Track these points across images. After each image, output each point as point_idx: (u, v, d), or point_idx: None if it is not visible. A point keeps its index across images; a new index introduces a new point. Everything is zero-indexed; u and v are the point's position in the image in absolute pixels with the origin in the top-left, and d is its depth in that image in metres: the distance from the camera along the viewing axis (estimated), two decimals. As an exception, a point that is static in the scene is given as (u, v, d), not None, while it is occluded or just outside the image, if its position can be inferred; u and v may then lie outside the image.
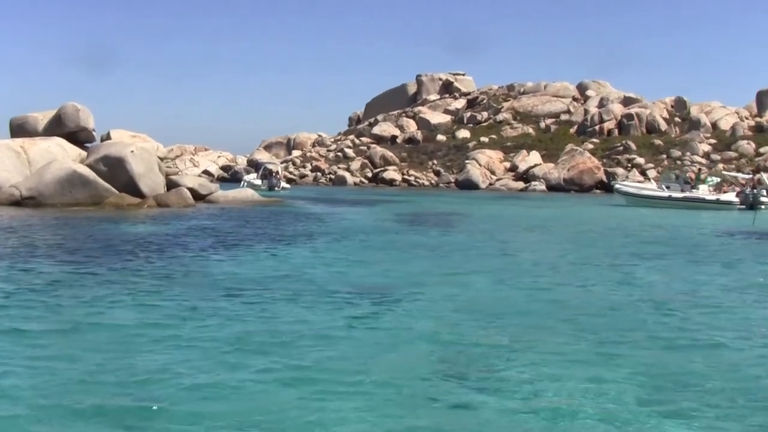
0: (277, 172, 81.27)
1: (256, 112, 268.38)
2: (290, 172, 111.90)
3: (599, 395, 8.30)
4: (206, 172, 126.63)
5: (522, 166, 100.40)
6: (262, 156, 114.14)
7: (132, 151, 41.99)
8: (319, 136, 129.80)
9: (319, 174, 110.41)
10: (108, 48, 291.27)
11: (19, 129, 50.23)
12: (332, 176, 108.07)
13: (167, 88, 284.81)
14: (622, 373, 9.18)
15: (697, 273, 18.83)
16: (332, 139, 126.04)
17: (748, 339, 11.35)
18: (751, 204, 47.76)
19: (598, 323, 12.16)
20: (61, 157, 43.54)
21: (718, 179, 59.89)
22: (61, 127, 48.20)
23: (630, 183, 63.94)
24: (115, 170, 41.32)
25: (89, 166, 41.76)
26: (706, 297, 15.11)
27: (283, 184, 79.35)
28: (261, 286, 15.04)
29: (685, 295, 15.31)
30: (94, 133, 48.40)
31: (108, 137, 49.96)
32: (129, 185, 41.09)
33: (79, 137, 46.98)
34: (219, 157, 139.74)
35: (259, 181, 77.33)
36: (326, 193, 73.80)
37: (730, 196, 53.09)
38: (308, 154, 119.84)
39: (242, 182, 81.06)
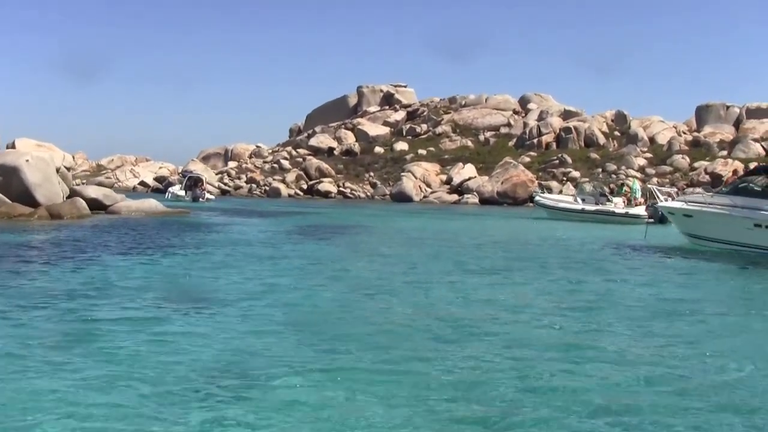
0: (202, 183, 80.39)
1: (200, 122, 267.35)
2: (225, 183, 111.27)
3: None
4: (143, 183, 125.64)
5: (456, 179, 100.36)
6: (197, 167, 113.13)
7: (27, 161, 41.17)
8: (257, 147, 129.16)
9: (254, 185, 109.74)
10: (60, 55, 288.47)
11: None
12: (267, 188, 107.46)
13: (115, 98, 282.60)
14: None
15: (530, 285, 18.65)
16: (270, 151, 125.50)
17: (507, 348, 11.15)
18: (660, 218, 47.87)
19: (381, 339, 11.94)
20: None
21: (636, 189, 59.86)
22: (-43, 136, 47.53)
23: (548, 196, 63.89)
24: (10, 179, 40.49)
25: (-17, 175, 40.95)
26: (512, 309, 14.92)
27: (208, 195, 78.52)
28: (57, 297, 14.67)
29: (488, 307, 15.09)
30: (-6, 142, 47.67)
31: (13, 146, 49.20)
32: (24, 195, 40.30)
33: (-24, 147, 46.24)
34: (160, 168, 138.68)
35: (182, 192, 76.66)
36: (251, 204, 73.18)
37: (640, 210, 53.17)
38: (244, 166, 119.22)
39: (167, 193, 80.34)
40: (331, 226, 42.16)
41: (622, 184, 66.77)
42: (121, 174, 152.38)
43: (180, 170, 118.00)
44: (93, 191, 47.49)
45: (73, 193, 44.92)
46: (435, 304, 15.50)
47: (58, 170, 46.81)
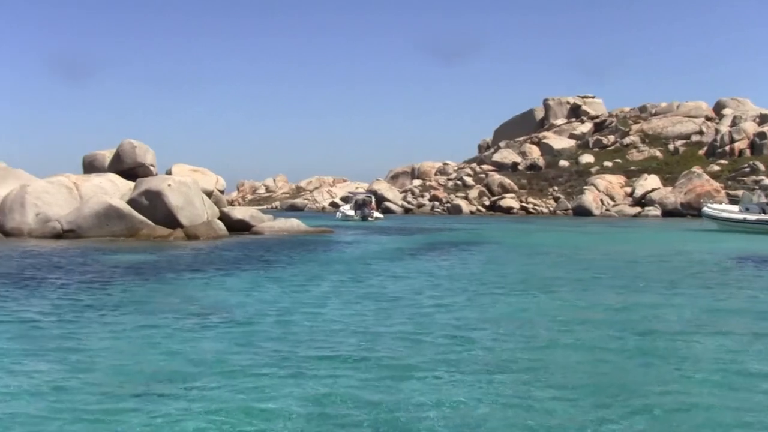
0: (370, 203, 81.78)
1: (388, 140, 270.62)
2: (408, 202, 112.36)
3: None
4: (333, 204, 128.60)
5: (639, 191, 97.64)
6: (381, 186, 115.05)
7: (169, 185, 43.17)
8: (444, 164, 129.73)
9: (436, 203, 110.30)
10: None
11: (90, 165, 52.67)
12: (449, 205, 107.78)
13: (312, 124, 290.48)
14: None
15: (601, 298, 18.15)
16: (455, 168, 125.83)
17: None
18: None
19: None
20: (111, 192, 45.30)
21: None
22: (120, 163, 50.23)
23: (715, 206, 61.10)
24: (155, 203, 42.64)
25: (133, 199, 43.22)
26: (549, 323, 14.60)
27: (376, 214, 79.88)
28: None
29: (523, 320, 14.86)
30: (152, 168, 49.95)
31: (169, 172, 51.42)
32: (168, 217, 42.29)
33: (137, 172, 48.59)
34: (357, 187, 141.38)
35: (352, 212, 78.30)
36: (421, 222, 73.52)
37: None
38: (428, 183, 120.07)
39: (338, 213, 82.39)
40: (463, 242, 41.81)
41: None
42: (319, 195, 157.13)
43: (355, 190, 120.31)
44: (240, 212, 49.24)
45: (222, 215, 46.80)
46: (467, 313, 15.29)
47: (210, 194, 48.97)
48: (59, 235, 41.07)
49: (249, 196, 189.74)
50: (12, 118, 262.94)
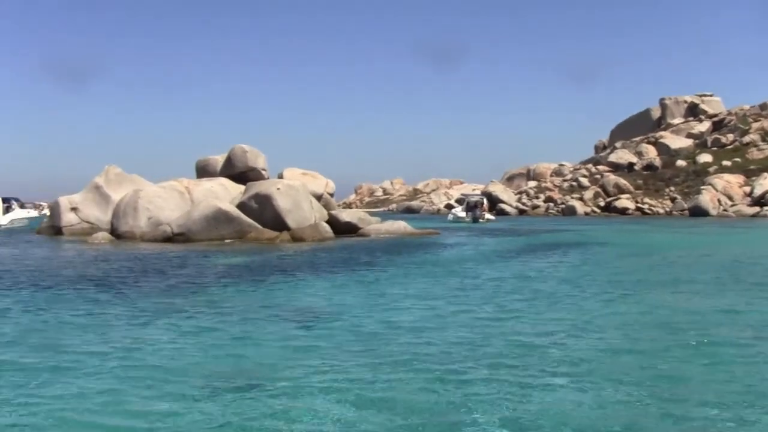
0: (482, 205, 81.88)
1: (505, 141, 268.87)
2: (523, 203, 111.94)
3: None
4: (448, 206, 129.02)
5: (758, 190, 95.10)
6: (496, 188, 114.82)
7: (278, 189, 44.23)
8: (560, 165, 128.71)
9: (551, 204, 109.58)
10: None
11: (203, 170, 54.40)
12: (563, 206, 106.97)
13: (427, 124, 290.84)
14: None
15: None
16: (571, 169, 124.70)
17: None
18: None
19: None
20: (222, 196, 46.72)
21: None
22: (231, 167, 51.74)
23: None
24: (264, 206, 43.76)
25: (243, 203, 44.49)
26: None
27: (487, 216, 79.93)
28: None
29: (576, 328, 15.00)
30: (263, 172, 51.23)
31: (281, 176, 52.59)
32: (276, 220, 43.35)
33: (249, 176, 49.90)
34: (473, 189, 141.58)
35: (463, 214, 78.59)
36: (534, 223, 73.25)
37: None
38: (543, 185, 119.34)
39: (450, 214, 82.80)
40: (566, 244, 41.65)
41: None
42: (435, 197, 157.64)
43: (471, 192, 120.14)
44: (347, 215, 50.05)
45: (331, 217, 47.74)
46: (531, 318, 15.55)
47: (320, 197, 49.99)
48: (169, 239, 42.48)
49: (366, 199, 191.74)
50: (128, 124, 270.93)
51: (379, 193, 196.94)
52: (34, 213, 76.17)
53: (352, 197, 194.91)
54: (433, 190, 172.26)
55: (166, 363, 11.49)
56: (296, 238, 42.48)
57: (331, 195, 53.91)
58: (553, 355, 11.89)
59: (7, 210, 70.45)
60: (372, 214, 62.32)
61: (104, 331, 14.27)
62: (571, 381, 10.23)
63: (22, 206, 76.14)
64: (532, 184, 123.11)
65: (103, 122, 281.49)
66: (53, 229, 51.80)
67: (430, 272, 25.15)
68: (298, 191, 45.10)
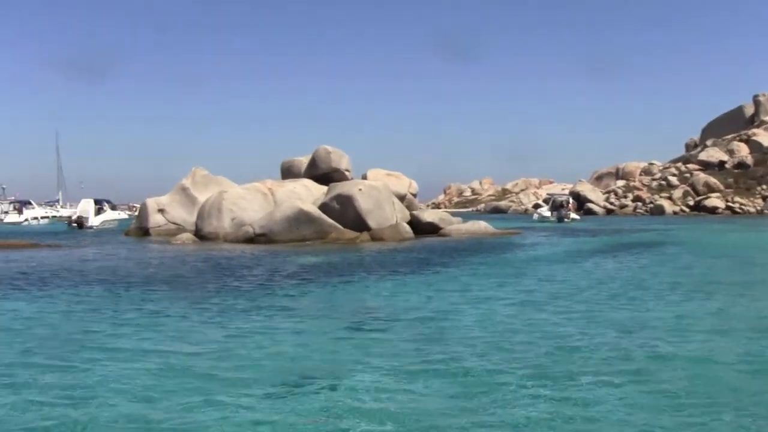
0: (567, 205, 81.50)
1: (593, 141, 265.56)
2: (611, 203, 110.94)
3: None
4: (536, 206, 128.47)
5: None
6: (584, 187, 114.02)
7: (360, 190, 44.80)
8: (649, 164, 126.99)
9: (639, 204, 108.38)
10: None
11: (288, 171, 55.39)
12: (651, 205, 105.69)
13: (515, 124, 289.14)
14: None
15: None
16: (660, 168, 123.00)
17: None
18: None
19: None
20: (305, 197, 47.49)
21: None
22: (315, 169, 52.58)
23: None
24: (346, 207, 44.36)
25: (325, 203, 45.16)
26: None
27: (573, 215, 79.52)
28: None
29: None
30: (347, 173, 51.90)
31: (365, 176, 53.16)
32: (357, 220, 43.90)
33: (332, 177, 50.61)
34: (563, 189, 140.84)
35: (548, 213, 78.37)
36: (620, 223, 72.44)
37: None
38: (631, 184, 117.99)
39: (535, 214, 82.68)
40: (646, 244, 41.30)
41: None
42: (524, 197, 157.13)
43: (561, 191, 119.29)
44: (429, 215, 50.50)
45: (413, 218, 48.24)
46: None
47: (404, 197, 50.51)
48: (251, 240, 43.29)
49: (455, 199, 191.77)
50: (218, 126, 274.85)
51: (468, 193, 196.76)
52: (124, 215, 78.55)
53: (441, 197, 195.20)
54: (522, 190, 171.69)
55: (223, 362, 11.81)
56: (376, 239, 43.01)
57: (414, 195, 54.34)
58: (598, 357, 11.81)
59: (98, 212, 72.88)
60: (458, 214, 62.68)
61: (163, 329, 14.79)
62: (622, 387, 9.99)
63: (113, 208, 78.64)
64: (621, 183, 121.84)
65: (191, 124, 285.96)
66: (141, 230, 53.35)
67: (498, 273, 25.20)
68: (380, 192, 45.58)
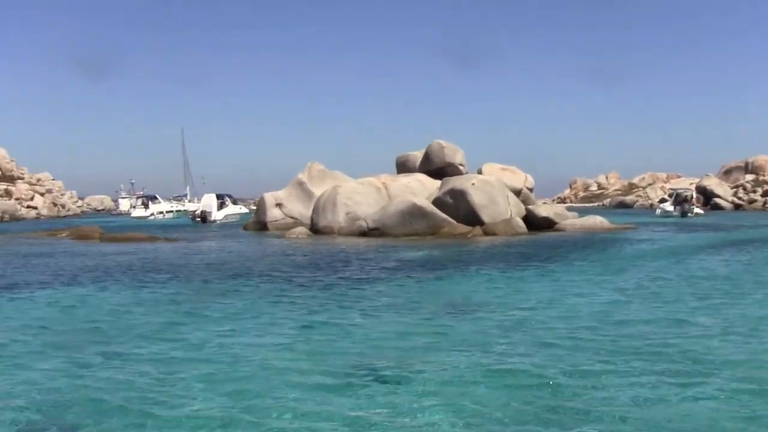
0: (691, 199, 79.67)
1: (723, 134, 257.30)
2: (739, 198, 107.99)
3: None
4: (662, 200, 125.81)
5: None
6: (710, 182, 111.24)
7: (473, 184, 44.87)
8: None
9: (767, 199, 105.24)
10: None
11: (402, 166, 55.86)
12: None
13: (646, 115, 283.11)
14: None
15: None
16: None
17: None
18: None
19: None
20: (419, 191, 47.81)
21: None
22: (428, 163, 52.84)
23: None
24: (459, 202, 44.57)
25: (438, 198, 45.42)
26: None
27: (697, 210, 77.74)
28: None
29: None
30: (461, 168, 51.98)
31: (480, 171, 53.10)
32: (470, 215, 44.05)
33: (446, 172, 50.79)
34: (691, 183, 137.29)
35: (671, 208, 76.74)
36: (742, 219, 70.01)
37: None
38: (761, 178, 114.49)
39: (657, 209, 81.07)
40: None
41: None
42: (651, 191, 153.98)
43: (688, 186, 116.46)
44: (544, 210, 50.19)
45: (528, 212, 48.07)
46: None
47: (519, 192, 50.29)
48: (365, 233, 43.96)
49: (581, 194, 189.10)
50: (336, 128, 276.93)
51: (594, 187, 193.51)
52: (245, 209, 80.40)
53: (567, 192, 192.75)
54: (649, 185, 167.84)
55: (310, 350, 12.30)
56: (488, 233, 43.02)
57: (531, 190, 53.95)
58: (689, 355, 11.65)
59: (221, 206, 74.95)
60: (582, 210, 62.15)
61: (257, 318, 15.42)
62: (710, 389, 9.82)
63: (234, 203, 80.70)
64: (750, 177, 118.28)
65: (304, 117, 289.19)
66: (259, 224, 54.57)
67: (602, 268, 25.04)
68: (494, 186, 45.56)
